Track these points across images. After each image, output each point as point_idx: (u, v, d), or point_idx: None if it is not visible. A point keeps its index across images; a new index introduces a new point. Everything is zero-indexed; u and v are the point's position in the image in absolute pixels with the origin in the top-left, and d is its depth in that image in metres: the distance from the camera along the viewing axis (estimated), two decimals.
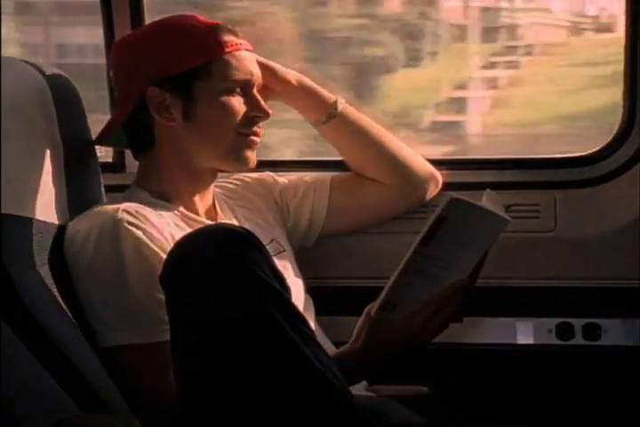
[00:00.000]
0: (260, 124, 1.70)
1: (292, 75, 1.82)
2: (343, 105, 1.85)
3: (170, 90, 1.64)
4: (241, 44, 1.68)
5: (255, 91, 1.69)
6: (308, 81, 1.84)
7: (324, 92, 1.85)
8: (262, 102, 1.69)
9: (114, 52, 1.72)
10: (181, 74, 1.64)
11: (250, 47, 1.71)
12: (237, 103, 1.67)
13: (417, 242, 1.55)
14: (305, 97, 1.83)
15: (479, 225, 1.54)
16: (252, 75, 1.68)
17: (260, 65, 1.74)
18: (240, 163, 1.69)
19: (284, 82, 1.80)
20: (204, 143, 1.67)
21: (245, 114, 1.67)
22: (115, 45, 1.74)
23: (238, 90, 1.67)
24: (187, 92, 1.64)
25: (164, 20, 1.71)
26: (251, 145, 1.69)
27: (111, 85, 2.05)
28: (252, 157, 1.70)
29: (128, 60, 1.68)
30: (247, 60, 1.68)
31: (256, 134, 1.69)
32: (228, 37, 1.66)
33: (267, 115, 1.69)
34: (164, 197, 1.69)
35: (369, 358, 1.59)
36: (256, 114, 1.68)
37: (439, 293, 1.55)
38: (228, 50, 1.65)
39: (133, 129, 1.71)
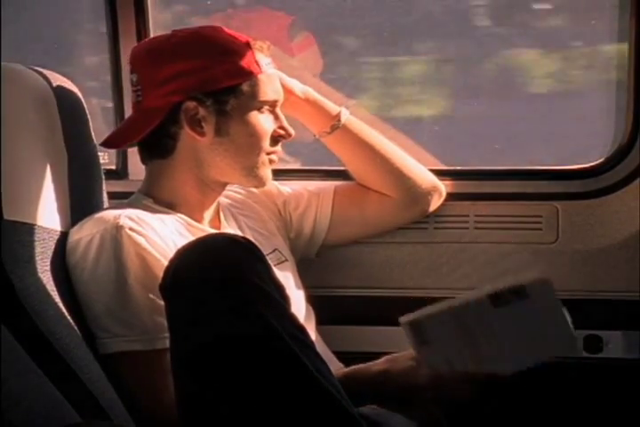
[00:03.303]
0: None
1: (297, 85, 1.83)
2: (347, 116, 1.85)
3: (205, 104, 1.64)
4: (270, 62, 1.69)
5: (279, 109, 1.71)
6: (312, 92, 1.84)
7: (328, 103, 1.85)
8: (285, 121, 1.70)
9: (145, 59, 1.69)
10: (218, 90, 1.64)
11: (274, 63, 1.71)
12: (267, 123, 1.68)
13: (487, 293, 1.49)
14: (309, 108, 1.84)
15: (550, 328, 1.50)
16: (278, 94, 1.70)
17: None
18: (259, 181, 1.71)
19: (288, 92, 1.80)
20: (230, 159, 1.67)
21: (271, 133, 1.69)
22: (142, 51, 1.71)
23: (266, 108, 1.68)
24: (222, 108, 1.65)
25: (198, 31, 1.68)
26: (270, 164, 1.70)
27: (118, 91, 2.05)
28: (270, 175, 1.71)
29: (164, 71, 1.65)
30: (275, 78, 1.70)
31: (276, 152, 1.71)
32: (260, 55, 1.67)
33: (290, 134, 1.70)
34: (168, 205, 1.69)
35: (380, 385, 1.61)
36: (281, 133, 1.69)
37: (461, 387, 1.54)
38: (263, 69, 1.66)
39: (155, 137, 1.69)
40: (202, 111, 1.64)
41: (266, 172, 1.70)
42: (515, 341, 1.51)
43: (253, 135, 1.67)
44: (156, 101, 1.66)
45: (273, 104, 1.69)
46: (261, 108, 1.67)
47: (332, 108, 1.85)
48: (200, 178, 1.69)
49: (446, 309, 1.53)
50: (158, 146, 1.69)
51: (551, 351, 1.54)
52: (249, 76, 1.65)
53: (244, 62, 1.64)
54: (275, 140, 1.69)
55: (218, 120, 1.66)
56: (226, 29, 1.69)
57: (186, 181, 1.70)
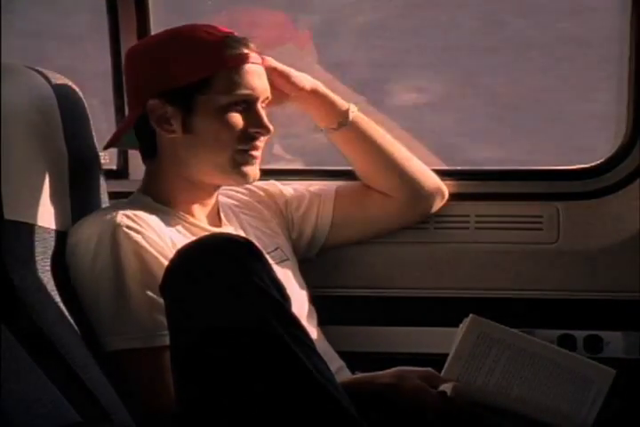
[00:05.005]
0: (262, 138, 1.68)
1: (306, 80, 1.81)
2: (355, 113, 1.84)
3: (170, 102, 1.63)
4: (247, 57, 1.66)
5: (259, 105, 1.67)
6: (321, 87, 1.83)
7: (338, 99, 1.84)
8: (264, 118, 1.67)
9: (125, 59, 1.72)
10: (182, 86, 1.63)
11: (258, 60, 1.68)
12: (236, 119, 1.65)
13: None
14: (317, 103, 1.83)
15: (580, 407, 1.56)
16: (254, 90, 1.66)
17: (274, 70, 1.73)
18: (240, 178, 1.68)
19: (298, 88, 1.79)
20: (203, 156, 1.66)
21: (245, 129, 1.65)
22: (127, 52, 1.73)
23: (240, 104, 1.65)
24: (187, 104, 1.63)
25: (174, 29, 1.69)
26: (250, 160, 1.67)
27: (118, 92, 2.06)
28: (252, 171, 1.68)
29: (135, 70, 1.68)
30: (251, 74, 1.66)
31: (255, 149, 1.67)
32: (234, 50, 1.64)
33: (268, 131, 1.67)
34: (166, 203, 1.69)
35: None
36: (256, 130, 1.66)
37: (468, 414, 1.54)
38: (230, 64, 1.63)
39: (139, 137, 1.71)
40: (169, 109, 1.64)
41: (247, 169, 1.67)
42: (545, 399, 1.55)
43: (219, 131, 1.64)
44: (131, 101, 1.69)
45: (246, 99, 1.65)
46: (233, 103, 1.64)
47: (341, 104, 1.84)
48: (186, 177, 1.69)
49: (518, 336, 1.57)
50: (145, 146, 1.71)
51: (562, 422, 1.57)
52: (208, 71, 1.62)
53: (207, 58, 1.63)
54: (250, 136, 1.66)
55: (184, 117, 1.64)
56: (214, 26, 1.67)
57: (174, 181, 1.69)
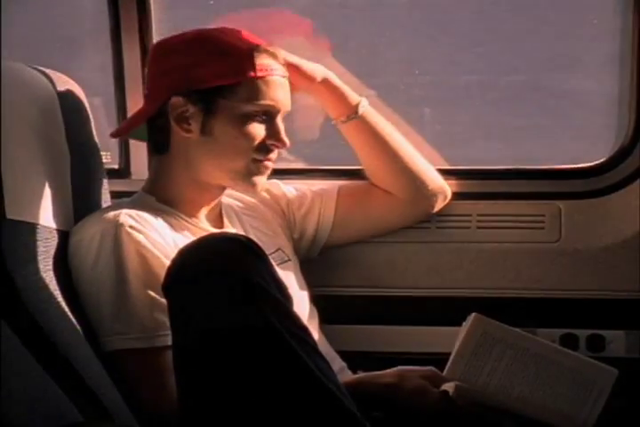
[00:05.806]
0: (276, 150, 1.69)
1: (319, 71, 1.81)
2: (365, 108, 1.84)
3: (193, 102, 1.64)
4: (275, 69, 1.66)
5: (279, 119, 1.68)
6: (333, 78, 1.83)
7: (350, 91, 1.84)
8: (282, 131, 1.68)
9: (152, 52, 1.72)
10: (208, 89, 1.64)
11: (285, 73, 1.69)
12: (256, 128, 1.66)
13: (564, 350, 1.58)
14: (328, 94, 1.83)
15: (581, 406, 1.56)
16: (277, 102, 1.67)
17: (286, 62, 1.72)
18: (249, 187, 1.69)
19: (309, 79, 1.79)
20: (216, 161, 1.67)
21: (263, 140, 1.66)
22: (155, 45, 1.74)
23: (261, 115, 1.66)
24: (209, 106, 1.64)
25: (207, 31, 1.69)
26: (262, 171, 1.68)
27: (120, 88, 2.06)
28: (262, 182, 1.69)
29: (161, 65, 1.68)
30: (277, 86, 1.67)
31: (269, 160, 1.69)
32: (263, 60, 1.65)
33: (284, 145, 1.68)
34: (169, 204, 1.69)
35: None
36: (273, 142, 1.67)
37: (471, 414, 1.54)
38: (259, 74, 1.64)
39: (152, 131, 1.71)
40: (190, 108, 1.64)
41: (258, 179, 1.68)
42: (547, 399, 1.55)
43: (238, 138, 1.65)
44: (152, 95, 1.69)
45: (268, 111, 1.66)
46: (254, 113, 1.65)
47: (352, 97, 1.84)
48: (194, 178, 1.69)
49: (520, 336, 1.56)
50: (155, 141, 1.71)
51: (563, 423, 1.56)
52: (236, 78, 1.63)
53: (237, 65, 1.63)
54: (266, 148, 1.67)
55: (204, 119, 1.65)
56: (242, 32, 1.68)
57: (181, 180, 1.70)
